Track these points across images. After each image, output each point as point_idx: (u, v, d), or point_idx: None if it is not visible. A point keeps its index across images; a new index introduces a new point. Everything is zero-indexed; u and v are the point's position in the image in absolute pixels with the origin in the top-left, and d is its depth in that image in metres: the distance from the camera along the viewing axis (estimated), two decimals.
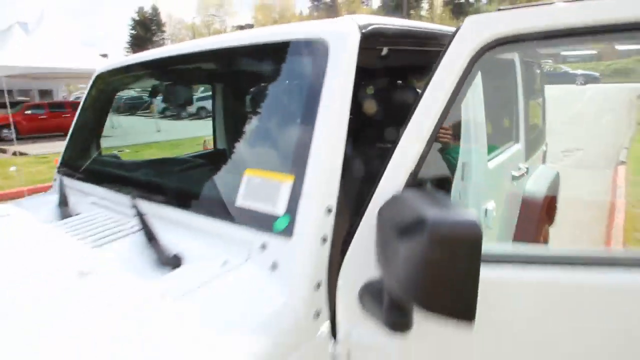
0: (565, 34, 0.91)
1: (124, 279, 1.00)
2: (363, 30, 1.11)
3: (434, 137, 0.97)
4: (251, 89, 1.77)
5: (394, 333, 0.87)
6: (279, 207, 1.00)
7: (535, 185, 2.32)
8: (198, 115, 5.82)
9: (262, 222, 1.01)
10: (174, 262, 1.06)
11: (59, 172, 1.79)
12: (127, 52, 44.31)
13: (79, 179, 1.65)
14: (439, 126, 0.96)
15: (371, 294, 0.93)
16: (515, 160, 2.13)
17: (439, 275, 0.75)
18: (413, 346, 0.97)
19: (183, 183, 1.48)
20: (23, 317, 0.86)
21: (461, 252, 0.74)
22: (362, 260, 0.96)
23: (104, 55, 15.20)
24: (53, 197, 1.59)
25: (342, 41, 1.08)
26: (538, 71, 2.89)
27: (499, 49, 0.95)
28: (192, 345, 0.80)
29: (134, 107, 3.30)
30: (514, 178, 2.01)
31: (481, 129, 1.60)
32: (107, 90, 1.97)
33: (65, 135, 1.92)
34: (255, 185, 1.08)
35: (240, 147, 1.42)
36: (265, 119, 1.34)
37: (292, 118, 1.16)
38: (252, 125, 1.48)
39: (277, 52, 1.23)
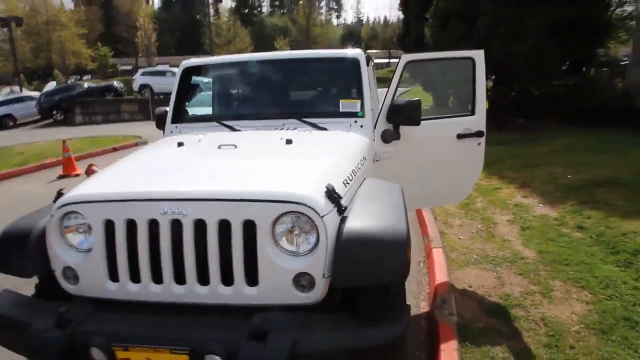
0: None
1: (313, 136, 2.56)
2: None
3: None
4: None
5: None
6: (358, 107, 2.70)
7: None
8: None
9: (352, 115, 2.69)
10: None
11: (172, 122, 3.01)
12: None
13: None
14: None
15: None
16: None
17: None
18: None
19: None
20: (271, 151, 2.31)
21: None
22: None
23: None
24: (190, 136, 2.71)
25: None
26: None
27: None
28: (347, 147, 2.39)
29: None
30: None
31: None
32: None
33: None
34: (347, 104, 2.76)
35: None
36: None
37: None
38: None
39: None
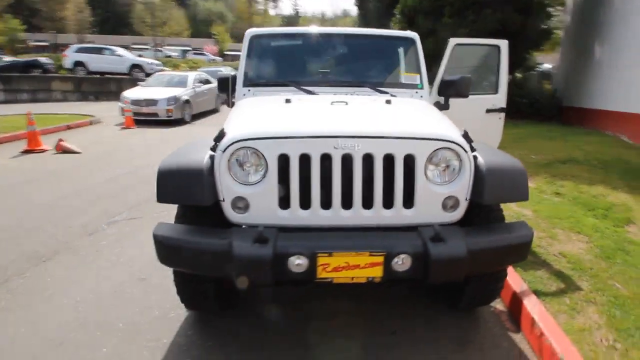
0: None
1: (398, 100, 2.90)
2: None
3: None
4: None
5: None
6: (418, 80, 3.22)
7: None
8: None
9: (413, 87, 3.19)
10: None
11: (244, 86, 3.21)
12: None
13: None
14: None
15: None
16: None
17: None
18: None
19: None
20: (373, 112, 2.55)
21: None
22: None
23: None
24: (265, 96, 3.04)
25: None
26: None
27: None
28: (432, 108, 2.81)
29: None
30: None
31: None
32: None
33: None
34: (408, 77, 3.25)
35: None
36: None
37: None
38: None
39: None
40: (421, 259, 1.86)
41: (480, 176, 2.04)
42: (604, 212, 4.07)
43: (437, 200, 2.04)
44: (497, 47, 3.69)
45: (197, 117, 12.37)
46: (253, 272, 1.82)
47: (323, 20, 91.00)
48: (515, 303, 2.55)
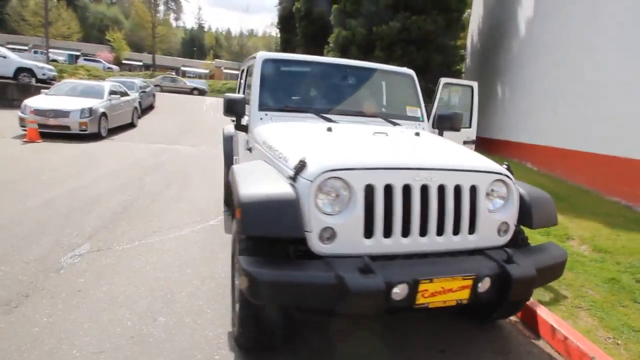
0: None
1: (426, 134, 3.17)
2: None
3: None
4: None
5: None
6: (419, 113, 3.63)
7: None
8: None
9: (416, 119, 3.57)
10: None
11: (260, 110, 3.22)
12: None
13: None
14: None
15: None
16: None
17: None
18: None
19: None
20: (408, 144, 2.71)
21: None
22: None
23: None
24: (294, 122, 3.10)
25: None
26: None
27: None
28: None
29: None
30: None
31: None
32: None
33: None
34: (411, 110, 3.62)
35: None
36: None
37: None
38: None
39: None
40: (499, 280, 2.07)
41: (525, 204, 2.36)
42: (546, 230, 4.84)
43: (494, 226, 2.29)
44: (471, 87, 4.23)
45: (113, 131, 11.21)
46: (367, 303, 1.82)
47: (228, 36, 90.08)
48: (528, 313, 2.92)
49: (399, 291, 1.89)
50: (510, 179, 2.32)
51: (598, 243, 4.34)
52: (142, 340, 2.45)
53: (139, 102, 14.46)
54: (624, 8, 6.45)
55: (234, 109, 3.20)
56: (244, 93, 4.74)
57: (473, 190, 2.22)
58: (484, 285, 2.05)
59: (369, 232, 2.05)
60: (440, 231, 2.17)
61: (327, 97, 3.54)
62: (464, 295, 2.03)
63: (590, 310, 3.00)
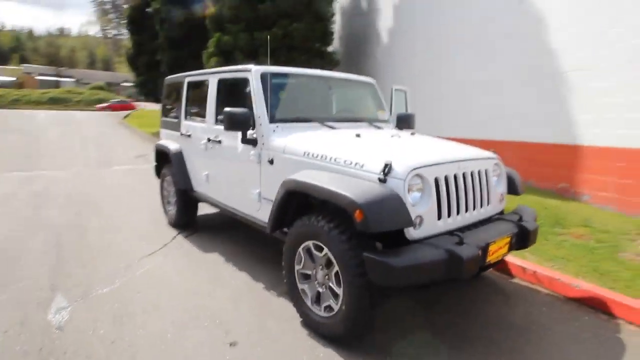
0: None
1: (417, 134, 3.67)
2: None
3: None
4: None
5: None
6: (387, 117, 4.32)
7: None
8: None
9: (384, 121, 4.17)
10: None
11: (272, 122, 3.36)
12: None
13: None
14: None
15: None
16: None
17: None
18: None
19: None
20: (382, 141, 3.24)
21: None
22: None
23: None
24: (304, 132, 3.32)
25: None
26: None
27: None
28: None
29: None
30: None
31: None
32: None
33: None
34: (381, 114, 4.30)
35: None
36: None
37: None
38: None
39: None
40: (520, 234, 2.84)
41: (510, 179, 3.23)
42: None
43: (497, 197, 3.09)
44: (404, 92, 5.08)
45: None
46: (473, 267, 2.34)
47: (30, 37, 75.32)
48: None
49: (481, 253, 2.48)
50: (499, 160, 3.15)
51: None
52: None
53: None
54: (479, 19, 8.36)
55: (239, 123, 3.22)
56: (186, 108, 4.61)
57: (487, 172, 2.95)
58: (513, 240, 2.81)
59: (439, 215, 2.57)
60: (476, 206, 2.83)
61: (321, 106, 3.85)
62: (505, 249, 2.75)
63: (529, 251, 4.15)
